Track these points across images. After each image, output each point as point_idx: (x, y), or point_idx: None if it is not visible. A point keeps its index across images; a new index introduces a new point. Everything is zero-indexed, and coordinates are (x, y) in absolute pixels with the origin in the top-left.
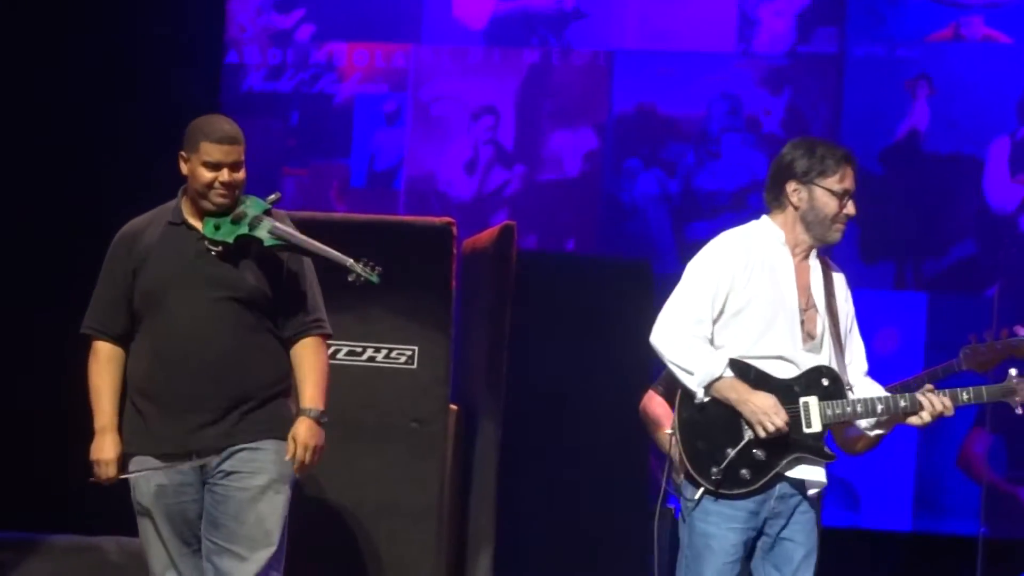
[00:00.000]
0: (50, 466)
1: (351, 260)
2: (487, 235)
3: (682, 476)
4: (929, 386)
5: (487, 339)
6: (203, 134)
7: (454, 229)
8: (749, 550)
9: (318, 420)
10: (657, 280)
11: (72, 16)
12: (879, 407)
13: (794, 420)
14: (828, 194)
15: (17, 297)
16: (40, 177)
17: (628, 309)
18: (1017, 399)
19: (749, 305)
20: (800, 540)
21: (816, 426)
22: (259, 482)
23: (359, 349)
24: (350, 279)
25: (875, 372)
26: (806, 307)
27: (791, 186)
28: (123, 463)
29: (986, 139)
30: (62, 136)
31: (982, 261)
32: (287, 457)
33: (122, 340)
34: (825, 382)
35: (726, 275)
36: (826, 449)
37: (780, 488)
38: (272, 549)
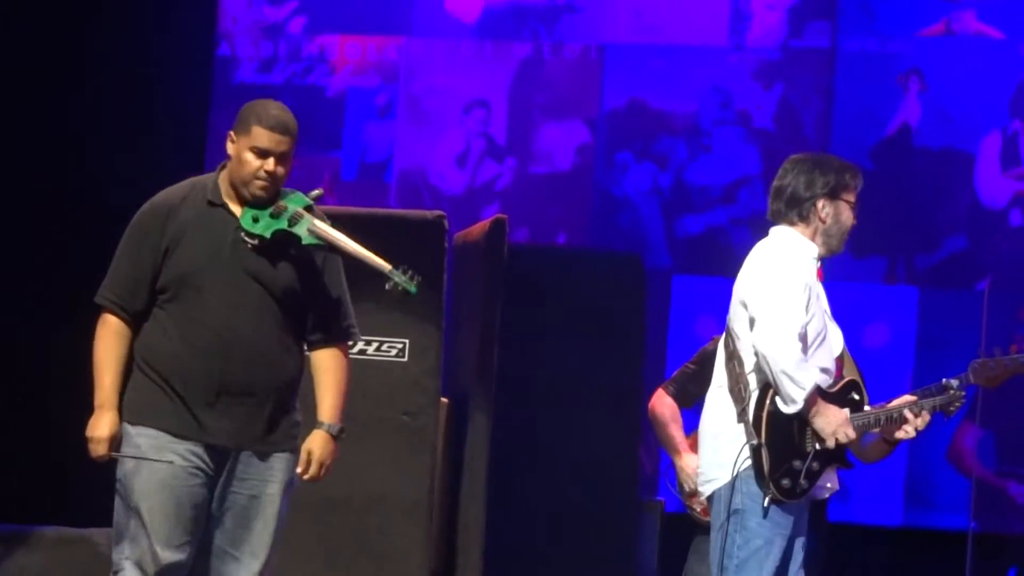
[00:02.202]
0: (40, 457)
1: (390, 267)
2: (478, 228)
3: (747, 480)
4: (906, 397)
5: (478, 332)
6: (256, 117)
7: (445, 222)
8: None
9: (335, 436)
10: (648, 273)
11: (63, 10)
12: (883, 418)
13: None
14: (848, 207)
15: (5, 288)
16: (31, 170)
17: (619, 302)
18: (951, 409)
19: (811, 319)
20: (802, 539)
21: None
22: (270, 491)
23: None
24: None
25: (865, 366)
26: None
27: (821, 203)
28: (119, 437)
29: (977, 134)
30: (54, 129)
31: (973, 255)
32: (299, 470)
33: (137, 318)
34: (855, 396)
35: (807, 289)
36: (847, 459)
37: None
38: (261, 562)
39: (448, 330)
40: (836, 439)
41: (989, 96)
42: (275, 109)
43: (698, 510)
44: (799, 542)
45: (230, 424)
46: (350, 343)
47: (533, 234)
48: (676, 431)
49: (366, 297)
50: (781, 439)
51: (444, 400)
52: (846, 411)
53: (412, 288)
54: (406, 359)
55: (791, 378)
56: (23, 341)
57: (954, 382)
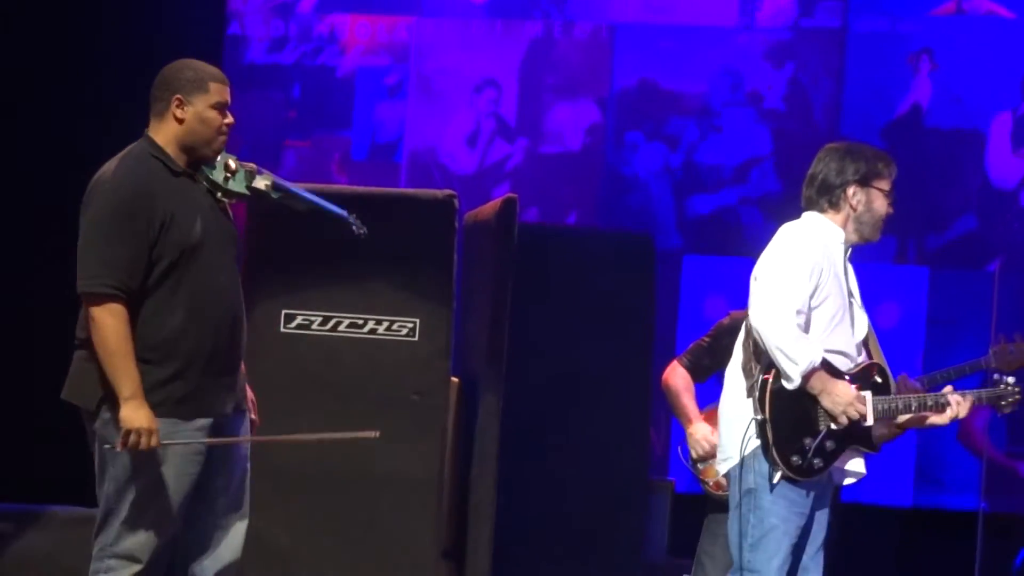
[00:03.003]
0: (50, 437)
1: (346, 214)
2: (489, 208)
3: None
4: (949, 388)
5: (488, 312)
6: (209, 75)
7: (456, 202)
8: None
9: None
10: (659, 253)
11: None
12: (914, 404)
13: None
14: (882, 195)
15: (15, 269)
16: (37, 154)
17: (629, 282)
18: (1004, 404)
19: (825, 300)
20: (823, 523)
21: (870, 420)
22: (244, 452)
23: (360, 321)
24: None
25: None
26: (851, 302)
27: (852, 189)
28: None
29: (988, 114)
30: (59, 111)
31: (984, 236)
32: (254, 416)
33: (133, 298)
34: (878, 379)
35: (816, 269)
36: (873, 441)
37: (824, 477)
38: (247, 521)
39: (458, 310)
40: (847, 417)
41: (1000, 76)
42: (210, 65)
43: (710, 484)
44: (819, 522)
45: (229, 390)
46: None
47: (543, 214)
48: (688, 400)
49: (376, 277)
50: (790, 416)
51: (454, 380)
52: (853, 388)
53: (363, 231)
54: (416, 339)
55: (784, 353)
56: (37, 324)
57: (1010, 379)
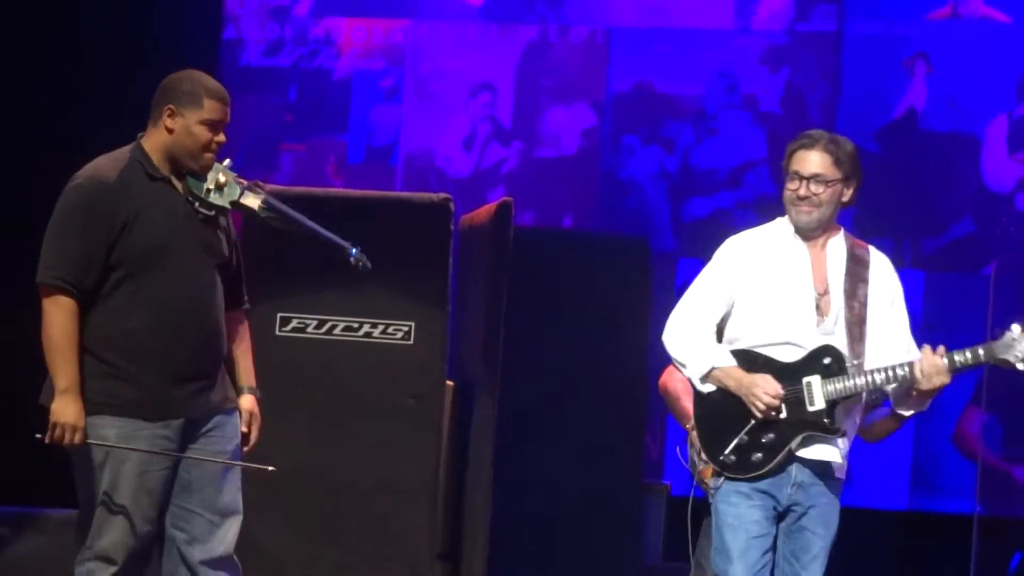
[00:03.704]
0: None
1: (345, 243)
2: (484, 211)
3: (709, 468)
4: (927, 346)
5: (484, 315)
6: (206, 91)
7: (451, 205)
8: (776, 533)
9: (259, 399)
10: (654, 256)
11: None
12: (878, 378)
13: (797, 399)
14: (788, 178)
15: (16, 269)
16: (32, 157)
17: (625, 285)
18: (1018, 354)
19: (758, 298)
20: (820, 531)
21: (819, 403)
22: (231, 447)
23: (355, 325)
24: (352, 261)
25: None
26: (823, 292)
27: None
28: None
29: (984, 118)
30: (54, 114)
31: (979, 239)
32: (244, 429)
33: (86, 296)
34: (827, 360)
35: (729, 275)
36: (834, 424)
37: (798, 475)
38: (241, 516)
39: (454, 313)
40: (758, 406)
41: (995, 80)
42: (213, 81)
43: (709, 485)
44: (810, 527)
45: (200, 396)
46: (247, 309)
47: (539, 217)
48: (689, 402)
49: (372, 281)
50: (718, 416)
51: (450, 383)
52: (766, 377)
53: (367, 264)
54: (412, 342)
55: (678, 360)
56: (31, 327)
57: (1016, 327)
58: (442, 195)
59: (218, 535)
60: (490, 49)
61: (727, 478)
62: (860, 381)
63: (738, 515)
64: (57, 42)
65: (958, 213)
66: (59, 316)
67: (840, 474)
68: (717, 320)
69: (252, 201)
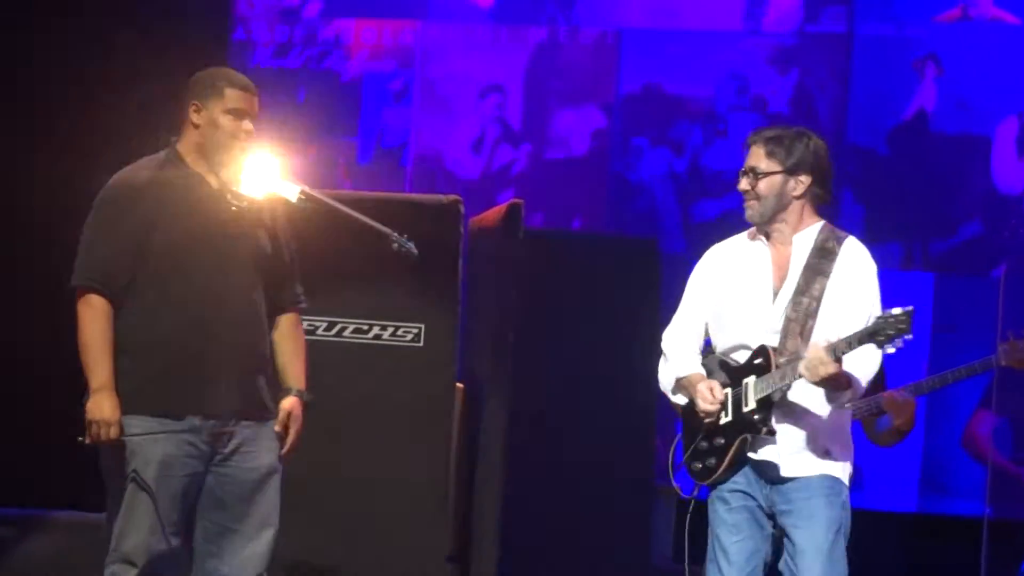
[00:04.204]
0: (51, 441)
1: (389, 230)
2: (494, 213)
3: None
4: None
5: (494, 317)
6: (227, 81)
7: (461, 207)
8: (768, 534)
9: (307, 404)
10: (664, 258)
11: None
12: (789, 374)
13: (737, 401)
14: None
15: (18, 269)
16: (39, 159)
17: (634, 287)
18: (880, 338)
19: (723, 305)
20: (802, 527)
21: (751, 403)
22: (266, 461)
23: (365, 327)
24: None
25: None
26: (779, 290)
27: None
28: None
29: (994, 119)
30: (64, 114)
31: (989, 241)
32: (278, 428)
33: (118, 296)
34: (758, 360)
35: (700, 286)
36: (766, 424)
37: (760, 476)
38: (275, 529)
39: (463, 315)
40: (699, 412)
41: (1006, 82)
42: (236, 73)
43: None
44: (789, 532)
45: (228, 395)
46: (303, 310)
47: (548, 219)
48: None
49: (382, 281)
50: (688, 426)
51: (459, 385)
52: (708, 381)
53: (414, 250)
54: (422, 344)
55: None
56: (38, 326)
57: (895, 310)
58: (452, 197)
59: (249, 551)
60: (500, 51)
61: (706, 485)
62: (779, 376)
63: (718, 520)
64: (63, 44)
65: (968, 215)
66: (91, 316)
67: (792, 472)
68: (698, 331)
69: (288, 192)
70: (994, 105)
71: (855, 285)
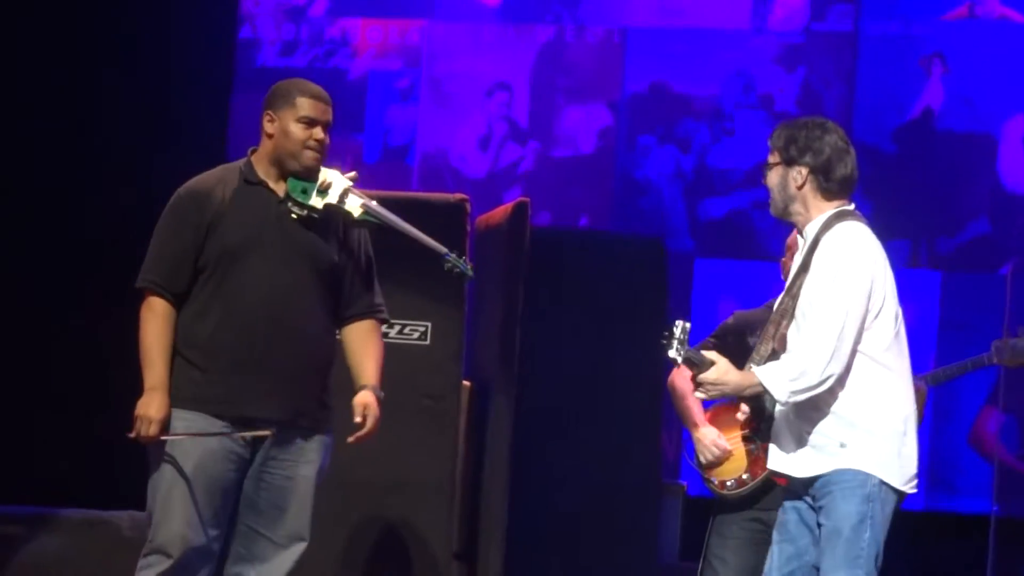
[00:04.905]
0: (61, 439)
1: (444, 248)
2: (500, 211)
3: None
4: None
5: (500, 315)
6: (299, 90)
7: (468, 205)
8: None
9: (380, 400)
10: (670, 256)
11: None
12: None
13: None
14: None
15: (34, 273)
16: (51, 154)
17: (641, 286)
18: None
19: None
20: (783, 546)
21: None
22: (305, 472)
23: None
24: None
25: None
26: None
27: None
28: (168, 421)
29: (1000, 118)
30: (76, 114)
31: (996, 239)
32: (357, 419)
33: (179, 299)
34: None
35: None
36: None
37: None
38: (306, 544)
39: (470, 313)
40: None
41: (1012, 80)
42: (310, 83)
43: (715, 483)
44: (775, 542)
45: (271, 401)
46: (383, 320)
47: (555, 217)
48: (693, 403)
49: (388, 280)
50: None
51: (466, 383)
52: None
53: (468, 271)
54: (428, 342)
55: None
56: (54, 326)
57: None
58: (458, 195)
59: (278, 561)
60: (506, 49)
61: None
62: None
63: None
64: (70, 42)
65: (974, 213)
66: (150, 317)
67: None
68: None
69: (351, 206)
70: (1001, 103)
71: (812, 283)
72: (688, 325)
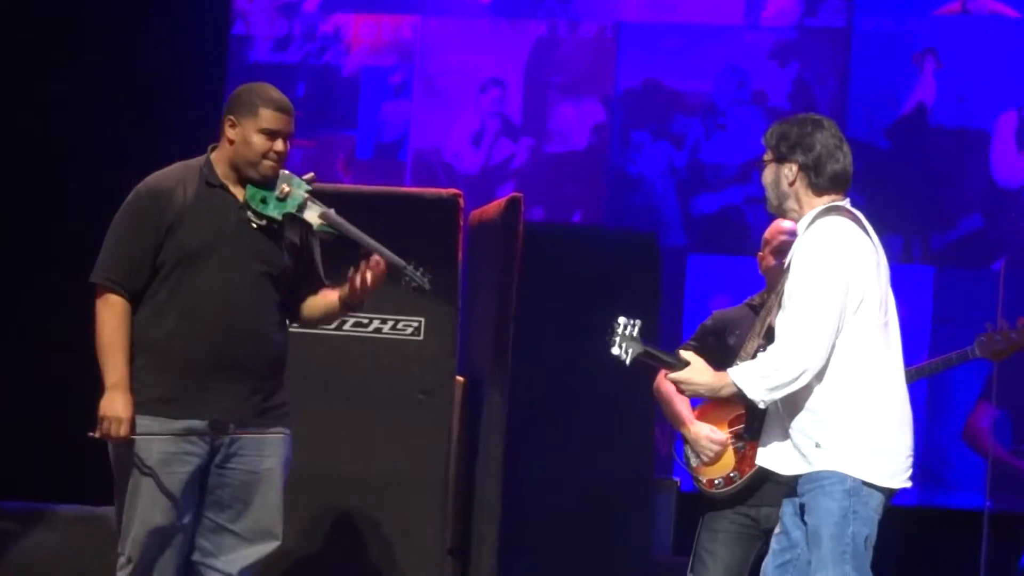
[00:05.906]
0: (54, 435)
1: (403, 263)
2: (494, 207)
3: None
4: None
5: (494, 311)
6: (263, 100)
7: (461, 201)
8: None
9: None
10: (664, 252)
11: None
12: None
13: None
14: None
15: (22, 268)
16: (43, 150)
17: (634, 281)
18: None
19: None
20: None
21: None
22: (268, 465)
23: (365, 320)
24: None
25: None
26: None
27: None
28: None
29: (993, 113)
30: (66, 108)
31: (989, 235)
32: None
33: (135, 296)
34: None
35: None
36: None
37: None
38: (277, 544)
39: (464, 309)
40: None
41: (1005, 75)
42: (276, 92)
43: (704, 482)
44: (774, 530)
45: (229, 401)
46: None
47: (548, 213)
48: (680, 405)
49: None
50: None
51: (460, 379)
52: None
53: (426, 285)
54: (422, 337)
55: None
56: (41, 320)
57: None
58: (452, 191)
59: (243, 553)
60: (499, 45)
61: None
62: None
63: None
64: (62, 38)
65: (967, 208)
66: (108, 314)
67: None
68: None
69: (310, 215)
70: (993, 99)
71: (790, 279)
72: (638, 322)
